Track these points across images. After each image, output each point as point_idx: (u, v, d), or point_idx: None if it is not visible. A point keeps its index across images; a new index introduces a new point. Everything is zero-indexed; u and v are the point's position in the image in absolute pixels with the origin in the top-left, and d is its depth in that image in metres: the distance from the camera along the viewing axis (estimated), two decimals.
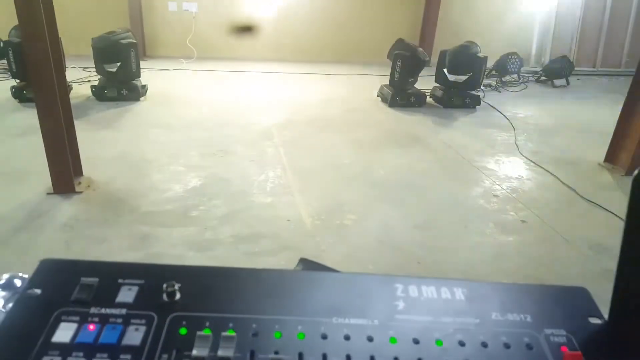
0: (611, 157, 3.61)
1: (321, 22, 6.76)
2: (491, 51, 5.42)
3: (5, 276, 0.77)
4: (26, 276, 0.78)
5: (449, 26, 6.72)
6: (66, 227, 2.43)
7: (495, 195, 3.08)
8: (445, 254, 2.45)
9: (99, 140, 3.56)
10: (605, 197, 3.10)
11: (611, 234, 2.68)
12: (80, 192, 2.76)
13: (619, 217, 2.83)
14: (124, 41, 4.42)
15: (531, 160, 3.68)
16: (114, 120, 4.08)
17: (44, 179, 2.75)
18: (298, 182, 3.11)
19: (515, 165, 3.62)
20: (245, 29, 6.20)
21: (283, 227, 2.57)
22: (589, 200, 3.06)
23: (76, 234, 2.38)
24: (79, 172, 2.90)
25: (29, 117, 3.78)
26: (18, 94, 4.22)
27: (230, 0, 6.34)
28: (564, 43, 6.94)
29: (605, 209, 2.94)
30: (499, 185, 3.25)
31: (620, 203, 3.03)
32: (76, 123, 2.87)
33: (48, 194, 2.72)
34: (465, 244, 2.55)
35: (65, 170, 2.73)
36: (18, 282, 0.76)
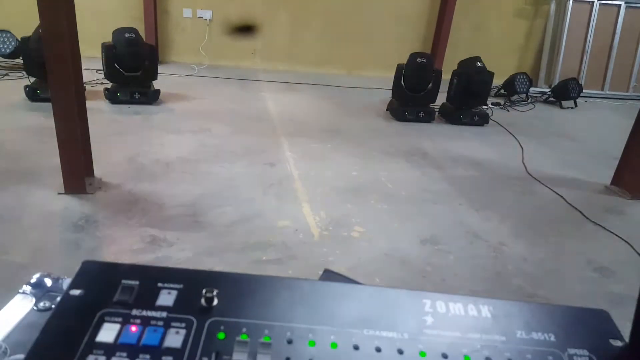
0: (618, 180, 3.62)
1: (333, 34, 6.83)
2: (500, 70, 5.47)
3: (36, 275, 0.79)
4: (57, 276, 0.81)
5: (459, 45, 6.77)
6: (77, 228, 2.45)
7: (502, 214, 3.09)
8: (451, 269, 2.46)
9: (110, 142, 3.60)
10: (611, 220, 3.11)
11: (616, 257, 2.69)
12: (92, 193, 2.79)
13: (625, 241, 2.84)
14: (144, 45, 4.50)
15: (537, 180, 3.69)
16: (126, 123, 4.12)
17: (56, 178, 2.78)
18: (306, 192, 3.13)
19: (522, 184, 3.64)
20: (245, 29, 6.25)
21: (291, 236, 2.59)
22: (594, 222, 3.07)
23: (86, 235, 2.40)
24: (90, 173, 2.93)
25: (42, 116, 3.84)
26: (31, 93, 4.27)
27: (244, 8, 6.41)
28: (573, 65, 6.98)
29: (611, 232, 2.94)
30: (505, 204, 3.27)
31: (625, 226, 3.04)
32: (88, 125, 2.91)
33: (59, 193, 2.75)
34: (471, 260, 2.56)
35: (77, 170, 2.76)
36: (48, 282, 0.79)
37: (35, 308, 0.71)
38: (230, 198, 2.94)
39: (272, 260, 2.38)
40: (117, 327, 0.50)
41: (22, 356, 0.61)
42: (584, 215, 3.16)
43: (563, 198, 3.40)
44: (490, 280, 2.41)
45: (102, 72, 4.75)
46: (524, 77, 6.12)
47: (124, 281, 0.55)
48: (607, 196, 3.55)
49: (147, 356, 0.47)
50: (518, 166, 3.99)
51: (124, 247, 2.33)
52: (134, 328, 0.50)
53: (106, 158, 3.26)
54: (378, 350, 0.51)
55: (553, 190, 3.52)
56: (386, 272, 2.40)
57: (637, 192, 3.47)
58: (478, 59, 4.93)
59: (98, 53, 4.55)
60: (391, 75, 5.02)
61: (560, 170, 3.98)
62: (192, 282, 0.56)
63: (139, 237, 2.42)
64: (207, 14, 6.43)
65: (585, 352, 0.52)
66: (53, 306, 0.73)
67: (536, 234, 2.89)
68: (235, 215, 2.74)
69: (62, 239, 2.34)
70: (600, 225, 3.03)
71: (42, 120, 3.75)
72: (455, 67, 5.06)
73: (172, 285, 0.55)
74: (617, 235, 2.90)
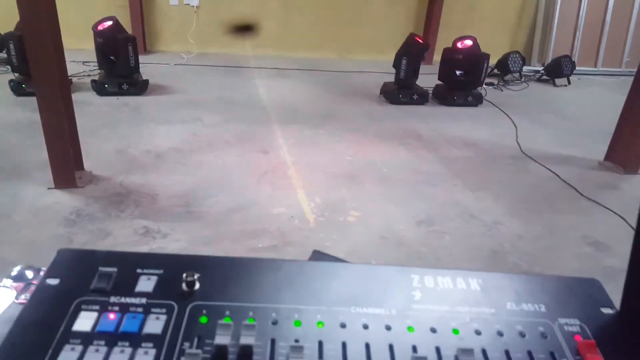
0: (611, 155, 3.62)
1: (324, 17, 6.75)
2: (493, 50, 5.43)
3: (17, 268, 0.78)
4: (38, 268, 0.79)
5: (451, 24, 6.71)
6: (68, 222, 2.43)
7: (497, 194, 3.09)
8: (447, 249, 2.46)
9: (99, 135, 3.56)
10: (605, 196, 3.12)
11: (611, 232, 2.70)
12: (82, 187, 2.76)
13: (619, 215, 2.84)
14: (120, 35, 4.40)
15: (532, 158, 3.69)
16: (114, 114, 4.07)
17: (45, 173, 2.75)
18: (301, 179, 3.11)
19: (516, 163, 3.63)
20: (245, 29, 6.18)
21: (286, 223, 2.58)
22: (588, 198, 3.07)
23: (79, 229, 2.38)
24: (80, 166, 2.90)
25: (28, 111, 3.78)
26: (16, 87, 4.21)
27: None
28: (565, 42, 6.94)
29: (605, 207, 2.95)
30: (500, 182, 3.26)
31: (619, 201, 3.04)
32: (76, 117, 2.87)
33: (49, 188, 2.72)
34: (467, 240, 2.56)
35: (66, 164, 2.72)
36: (30, 274, 0.77)
37: (16, 301, 0.70)
38: (224, 187, 2.92)
39: (268, 247, 2.37)
40: (94, 315, 0.48)
41: None
42: (578, 192, 3.16)
43: (557, 175, 3.40)
44: (487, 259, 2.42)
45: (88, 64, 4.69)
46: (517, 56, 6.08)
47: (101, 268, 0.53)
48: (601, 172, 3.55)
49: (127, 343, 0.46)
50: (512, 145, 3.98)
51: (117, 240, 2.31)
52: (112, 315, 0.48)
53: (96, 151, 3.23)
54: (365, 327, 0.50)
55: (547, 168, 3.52)
56: (383, 255, 2.39)
57: (630, 167, 3.47)
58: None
59: (84, 45, 4.49)
60: (383, 58, 4.98)
61: (554, 148, 3.97)
62: (172, 266, 0.54)
63: (132, 229, 2.40)
64: (194, 1, 6.34)
65: (577, 321, 0.51)
66: None
67: (531, 211, 2.89)
68: (229, 204, 2.73)
69: (53, 234, 2.32)
70: (595, 201, 3.03)
71: (29, 115, 3.69)
72: (449, 46, 5.01)
73: (151, 271, 0.53)
74: (611, 210, 2.91)
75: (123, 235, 2.35)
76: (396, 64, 4.80)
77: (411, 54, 4.74)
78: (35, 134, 2.80)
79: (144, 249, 2.26)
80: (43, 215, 2.48)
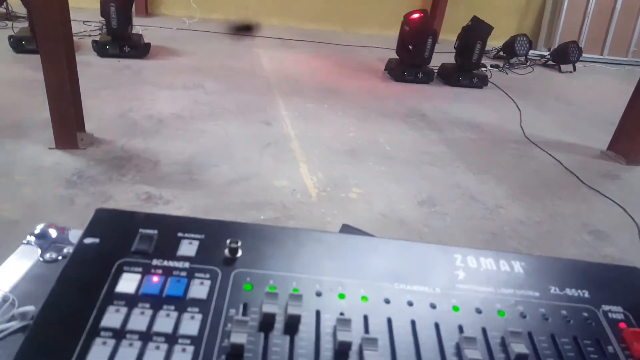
0: (614, 145, 3.63)
1: None
2: (501, 31, 5.36)
3: (40, 226, 0.76)
4: (61, 226, 0.77)
5: (459, 5, 6.59)
6: (69, 183, 2.40)
7: (498, 176, 3.10)
8: (447, 230, 2.47)
9: (101, 97, 3.49)
10: (606, 185, 3.13)
11: (611, 221, 2.72)
12: (83, 149, 2.72)
13: (619, 205, 2.86)
14: None
15: (535, 144, 3.68)
16: (116, 77, 3.99)
17: (45, 133, 2.71)
18: (303, 153, 3.09)
19: (518, 147, 3.63)
20: (245, 29, 6.04)
21: (289, 196, 2.57)
22: (590, 186, 3.09)
23: (80, 191, 2.35)
24: (81, 128, 2.85)
25: (28, 68, 3.70)
26: (16, 44, 4.10)
27: None
28: (573, 28, 6.86)
29: (606, 196, 2.97)
30: (502, 165, 3.26)
31: (620, 191, 3.06)
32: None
33: (50, 148, 2.68)
34: (467, 222, 2.57)
35: (68, 125, 2.68)
36: (53, 233, 0.76)
37: (41, 259, 0.68)
38: (226, 157, 2.90)
39: (270, 219, 2.36)
40: (137, 277, 0.47)
41: (31, 307, 0.58)
42: (579, 180, 3.17)
43: (559, 162, 3.40)
44: (486, 242, 2.43)
45: (89, 23, 4.56)
46: (524, 39, 6.01)
47: (141, 230, 0.52)
48: (603, 161, 3.56)
49: (172, 307, 0.45)
50: (516, 129, 3.97)
51: (119, 203, 2.29)
52: (155, 278, 0.47)
53: (97, 113, 3.17)
54: (410, 304, 0.49)
55: (550, 154, 3.52)
56: (383, 233, 2.40)
57: (632, 157, 3.48)
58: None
59: (85, 3, 4.35)
60: (389, 33, 4.89)
61: (558, 135, 3.96)
62: (213, 232, 0.53)
63: (134, 194, 2.38)
64: None
65: (620, 309, 0.51)
66: (60, 257, 0.70)
67: (532, 197, 2.91)
68: (231, 175, 2.71)
69: (55, 194, 2.29)
70: (596, 190, 3.04)
71: (28, 73, 3.61)
72: (456, 27, 4.93)
73: (193, 235, 0.52)
74: (611, 200, 2.92)
75: (125, 200, 2.33)
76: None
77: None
78: (36, 93, 2.74)
79: None
80: (44, 175, 2.45)
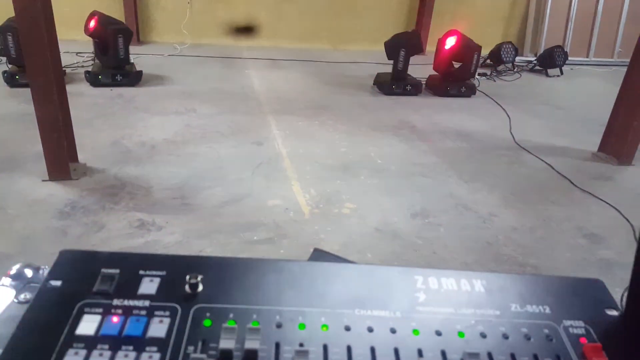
0: (605, 146, 3.64)
1: (317, 8, 6.70)
2: (486, 40, 5.42)
3: (16, 266, 0.77)
4: (37, 266, 0.78)
5: (444, 14, 6.68)
6: (62, 215, 2.41)
7: (491, 185, 3.10)
8: (442, 241, 2.47)
9: (93, 126, 3.52)
10: (599, 187, 3.14)
11: (605, 223, 2.72)
12: (76, 179, 2.74)
13: (613, 207, 2.86)
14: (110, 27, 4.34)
15: (525, 149, 3.70)
16: (108, 106, 4.03)
17: (39, 165, 2.72)
18: (295, 171, 3.10)
19: (509, 154, 3.64)
20: (245, 30, 6.12)
21: (281, 215, 2.57)
22: (582, 189, 3.09)
23: (73, 222, 2.36)
24: (74, 158, 2.87)
25: (22, 102, 3.74)
26: (10, 78, 4.15)
27: None
28: (558, 32, 6.94)
29: (599, 198, 2.97)
30: (494, 173, 3.27)
31: (613, 193, 3.07)
32: (70, 109, 2.83)
33: (43, 180, 2.70)
34: (461, 232, 2.57)
35: (60, 156, 2.70)
36: (29, 272, 0.76)
37: (15, 300, 0.69)
38: (218, 179, 2.91)
39: (264, 240, 2.37)
40: (97, 318, 0.48)
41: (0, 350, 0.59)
42: (572, 183, 3.18)
43: (551, 166, 3.42)
44: (481, 251, 2.43)
45: (82, 55, 4.62)
46: (510, 46, 6.08)
47: (103, 270, 0.52)
48: (594, 163, 3.58)
49: (130, 347, 0.45)
50: (506, 136, 3.99)
51: (112, 232, 2.29)
52: (115, 319, 0.48)
53: (90, 142, 3.20)
54: (370, 330, 0.49)
55: (541, 159, 3.53)
56: (378, 248, 2.40)
57: (624, 158, 3.49)
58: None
59: (77, 36, 4.42)
60: (376, 49, 4.95)
61: (548, 139, 3.99)
62: (175, 268, 0.53)
63: (127, 221, 2.39)
64: None
65: (581, 323, 0.52)
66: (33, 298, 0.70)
67: (525, 203, 2.91)
68: (224, 196, 2.72)
69: (48, 226, 2.30)
70: (589, 192, 3.05)
71: (22, 107, 3.65)
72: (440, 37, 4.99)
73: (154, 273, 0.53)
74: (605, 202, 2.93)
75: (118, 228, 2.34)
76: (393, 56, 4.76)
77: (408, 45, 4.72)
78: (29, 126, 2.77)
79: (139, 241, 2.26)
80: (37, 207, 2.46)
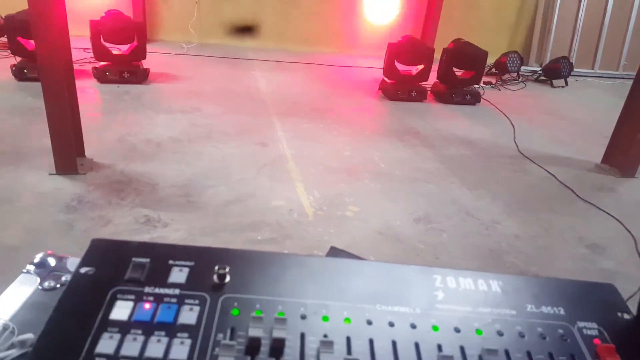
0: (608, 158, 3.66)
1: (324, 13, 6.73)
2: (492, 49, 5.44)
3: (39, 255, 0.79)
4: (60, 255, 0.80)
5: (450, 23, 6.71)
6: (69, 209, 2.43)
7: (494, 192, 3.12)
8: (444, 247, 2.48)
9: (100, 123, 3.55)
10: (601, 198, 3.16)
11: (607, 234, 2.74)
12: (83, 174, 2.76)
13: (615, 218, 2.88)
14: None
15: (529, 159, 3.72)
16: (115, 102, 4.05)
17: (46, 159, 2.74)
18: (299, 172, 3.12)
19: (513, 163, 3.66)
20: (246, 29, 6.15)
21: (285, 216, 2.59)
22: (585, 200, 3.11)
23: (80, 216, 2.38)
24: (81, 153, 2.89)
25: (30, 96, 3.76)
26: (18, 72, 4.17)
27: None
28: (564, 43, 6.97)
29: (602, 210, 2.99)
30: (497, 181, 3.29)
31: (615, 204, 3.08)
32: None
33: (50, 174, 2.71)
34: (463, 238, 2.59)
35: (68, 151, 2.72)
36: (52, 261, 0.78)
37: (40, 287, 0.71)
38: (223, 178, 2.93)
39: (267, 240, 2.38)
40: (130, 304, 0.50)
41: (30, 335, 0.60)
42: (575, 193, 3.19)
43: (554, 176, 3.44)
44: (483, 258, 2.45)
45: (90, 51, 4.65)
46: (516, 55, 6.11)
47: (134, 259, 0.54)
48: (597, 174, 3.59)
49: (163, 333, 0.47)
50: (510, 145, 4.01)
51: (118, 228, 2.31)
52: (147, 305, 0.50)
53: (97, 138, 3.21)
54: (391, 325, 0.51)
55: (544, 169, 3.55)
56: (380, 251, 2.41)
57: (627, 170, 3.51)
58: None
59: (85, 32, 4.44)
60: (382, 54, 4.98)
61: (552, 149, 4.01)
62: (203, 259, 0.55)
63: (133, 217, 2.41)
64: None
65: (594, 325, 0.53)
66: (58, 285, 0.72)
67: (528, 211, 2.93)
68: (229, 196, 2.73)
69: (54, 220, 2.32)
70: (591, 203, 3.07)
71: (30, 100, 3.68)
72: (447, 46, 5.02)
73: (183, 263, 0.55)
74: (607, 213, 2.95)
75: (124, 224, 2.36)
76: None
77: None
78: (37, 120, 2.79)
79: (144, 237, 2.27)
80: (44, 201, 2.47)
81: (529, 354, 0.49)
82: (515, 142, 4.06)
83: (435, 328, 0.51)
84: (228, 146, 3.41)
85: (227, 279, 0.53)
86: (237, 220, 2.51)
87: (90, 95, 4.10)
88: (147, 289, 0.51)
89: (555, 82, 6.30)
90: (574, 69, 6.45)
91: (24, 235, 2.18)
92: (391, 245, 2.47)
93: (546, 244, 2.62)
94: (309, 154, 3.42)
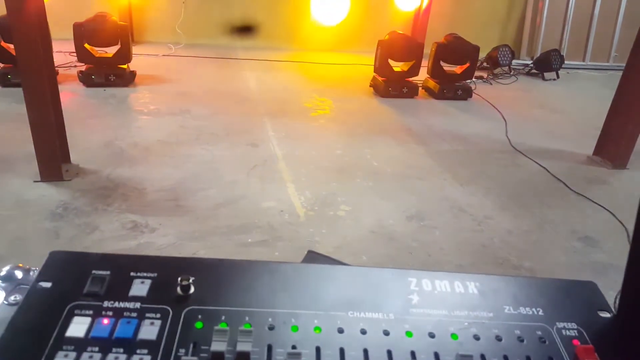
0: (600, 150, 3.66)
1: (315, 10, 6.70)
2: (483, 43, 5.43)
3: (6, 268, 0.76)
4: (27, 267, 0.77)
5: (441, 18, 6.70)
6: (55, 216, 2.39)
7: (487, 188, 3.11)
8: (437, 244, 2.47)
9: (86, 127, 3.50)
10: (594, 190, 3.15)
11: (600, 226, 2.73)
12: (69, 180, 2.72)
13: (608, 210, 2.88)
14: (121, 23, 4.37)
15: (521, 152, 3.71)
16: (101, 106, 4.01)
17: (31, 166, 2.70)
18: (291, 173, 3.10)
19: (506, 157, 3.65)
20: (245, 30, 6.12)
21: (276, 217, 2.57)
22: (577, 192, 3.11)
23: (65, 223, 2.34)
24: (66, 159, 2.86)
25: (13, 102, 3.71)
26: (2, 78, 4.12)
27: None
28: (554, 36, 6.98)
29: (594, 202, 2.98)
30: (489, 176, 3.28)
31: (608, 196, 3.08)
32: (63, 109, 2.82)
33: (35, 181, 2.68)
34: (456, 235, 2.57)
35: (52, 157, 2.68)
36: (19, 274, 0.75)
37: (5, 302, 0.68)
38: (212, 181, 2.90)
39: (258, 242, 2.36)
40: (87, 320, 0.47)
41: None
42: (567, 186, 3.19)
43: (546, 170, 3.43)
44: (477, 254, 2.43)
45: (74, 54, 4.59)
46: (507, 49, 6.10)
47: (94, 272, 0.52)
48: (589, 166, 3.59)
49: (121, 349, 0.45)
50: (502, 139, 4.00)
51: (104, 234, 2.28)
52: (105, 321, 0.47)
53: (83, 143, 3.17)
54: (363, 332, 0.49)
55: (536, 162, 3.55)
56: (373, 250, 2.40)
57: (619, 161, 3.51)
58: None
59: (70, 35, 4.39)
60: (372, 50, 4.96)
61: (544, 142, 4.00)
62: (166, 270, 0.53)
63: (120, 223, 2.38)
64: None
65: (574, 325, 0.52)
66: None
67: (521, 206, 2.92)
68: (218, 198, 2.71)
69: (40, 228, 2.28)
70: (584, 196, 3.06)
71: (14, 106, 3.62)
72: (438, 41, 5.00)
73: (145, 274, 0.52)
74: (600, 205, 2.94)
75: (110, 230, 2.32)
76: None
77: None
78: (21, 126, 2.74)
79: (131, 243, 2.24)
80: (29, 208, 2.44)
81: (505, 358, 0.47)
82: (507, 137, 4.05)
83: (409, 334, 0.49)
84: (218, 148, 3.38)
85: (192, 290, 0.51)
86: (227, 223, 2.49)
87: (76, 100, 4.06)
88: (106, 303, 0.49)
89: (546, 75, 6.30)
90: (565, 62, 6.45)
91: (7, 244, 2.14)
92: (384, 244, 2.45)
93: (539, 238, 2.61)
94: (300, 154, 3.40)
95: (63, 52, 5.05)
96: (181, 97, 4.36)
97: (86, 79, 4.37)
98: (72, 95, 4.10)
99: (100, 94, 4.27)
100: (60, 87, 2.84)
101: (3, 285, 0.72)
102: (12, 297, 0.69)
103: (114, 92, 4.31)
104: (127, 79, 4.49)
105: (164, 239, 2.28)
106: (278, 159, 3.30)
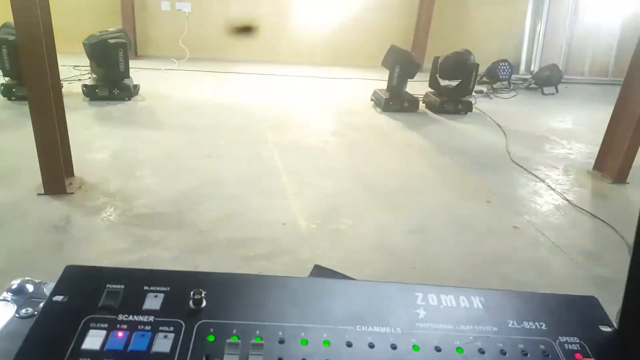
0: (600, 164, 3.68)
1: (313, 25, 6.78)
2: (482, 58, 5.49)
3: (16, 282, 0.77)
4: (37, 281, 0.78)
5: (441, 33, 6.78)
6: (58, 229, 2.40)
7: (488, 202, 3.12)
8: (439, 258, 2.47)
9: (90, 141, 3.53)
10: (594, 205, 3.16)
11: (600, 241, 2.74)
12: (72, 193, 2.74)
13: (608, 224, 2.88)
14: (111, 41, 4.39)
15: (521, 166, 3.73)
16: (105, 120, 4.05)
17: (35, 179, 2.72)
18: (293, 186, 3.12)
19: (506, 171, 3.67)
20: (245, 30, 6.19)
21: (279, 230, 2.58)
22: (578, 207, 3.12)
23: (68, 236, 2.35)
24: (70, 172, 2.88)
25: (19, 115, 3.75)
26: (7, 92, 4.17)
27: (224, 1, 6.33)
28: (553, 51, 7.05)
29: (595, 216, 2.99)
30: (490, 190, 3.30)
31: (608, 210, 3.09)
32: (67, 122, 2.84)
33: (39, 194, 2.69)
34: (458, 249, 2.58)
35: (56, 170, 2.70)
36: (30, 287, 0.76)
37: (17, 315, 0.69)
38: (215, 194, 2.91)
39: (260, 255, 2.37)
40: (103, 333, 0.49)
41: None
42: (567, 201, 3.20)
43: (546, 184, 3.44)
44: (479, 268, 2.43)
45: (79, 68, 4.65)
46: (506, 64, 6.17)
47: (108, 285, 0.53)
48: (589, 181, 3.61)
49: None
50: (502, 153, 4.03)
51: (107, 247, 2.29)
52: (120, 334, 0.49)
53: (86, 156, 3.20)
54: (371, 346, 0.50)
55: (536, 176, 3.56)
56: (376, 264, 2.40)
57: (618, 176, 3.52)
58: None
59: (75, 49, 4.45)
60: (375, 65, 5.01)
61: (543, 156, 4.02)
62: (179, 284, 0.54)
63: (123, 236, 2.39)
64: (186, 7, 6.33)
65: (576, 339, 0.53)
66: (36, 313, 0.70)
67: (521, 220, 2.92)
68: (221, 211, 2.72)
69: (43, 241, 2.29)
70: (584, 210, 3.07)
71: (19, 119, 3.66)
72: (437, 56, 5.06)
73: (158, 288, 0.54)
74: (601, 220, 2.95)
75: (113, 243, 2.33)
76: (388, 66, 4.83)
77: (403, 63, 4.79)
78: (25, 139, 2.77)
79: (134, 256, 2.25)
80: (32, 221, 2.45)
81: None
82: (507, 150, 4.07)
83: (416, 348, 0.50)
84: (220, 161, 3.40)
85: (204, 303, 0.52)
86: (229, 237, 2.49)
87: (80, 113, 4.09)
88: (120, 317, 0.50)
89: (545, 89, 6.35)
90: (564, 76, 6.52)
91: (12, 257, 2.15)
92: (386, 258, 2.46)
93: (541, 252, 2.61)
94: (302, 167, 3.42)
95: (67, 66, 5.11)
96: (184, 111, 4.40)
97: (90, 92, 4.42)
98: (76, 108, 4.14)
99: (103, 107, 4.31)
100: (64, 100, 2.87)
101: (14, 298, 0.73)
102: (23, 311, 0.70)
103: (118, 106, 4.35)
104: (130, 93, 4.53)
105: (166, 252, 2.28)
106: (280, 172, 3.32)
